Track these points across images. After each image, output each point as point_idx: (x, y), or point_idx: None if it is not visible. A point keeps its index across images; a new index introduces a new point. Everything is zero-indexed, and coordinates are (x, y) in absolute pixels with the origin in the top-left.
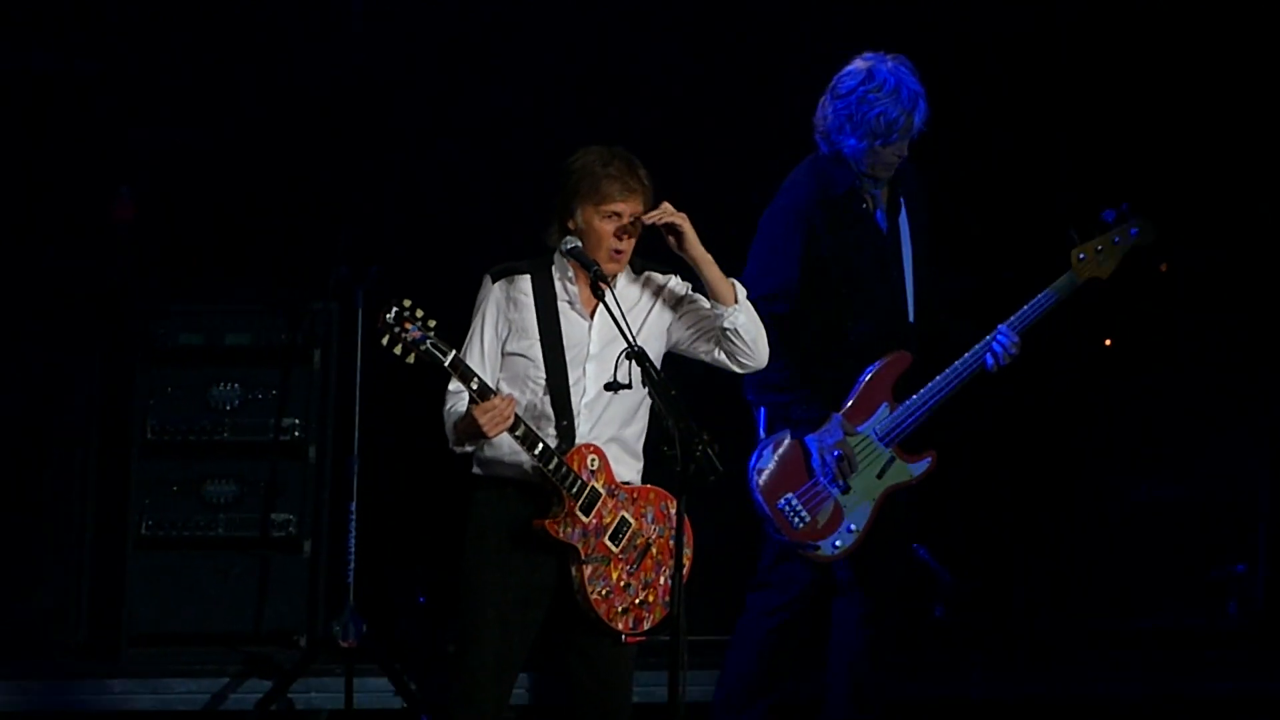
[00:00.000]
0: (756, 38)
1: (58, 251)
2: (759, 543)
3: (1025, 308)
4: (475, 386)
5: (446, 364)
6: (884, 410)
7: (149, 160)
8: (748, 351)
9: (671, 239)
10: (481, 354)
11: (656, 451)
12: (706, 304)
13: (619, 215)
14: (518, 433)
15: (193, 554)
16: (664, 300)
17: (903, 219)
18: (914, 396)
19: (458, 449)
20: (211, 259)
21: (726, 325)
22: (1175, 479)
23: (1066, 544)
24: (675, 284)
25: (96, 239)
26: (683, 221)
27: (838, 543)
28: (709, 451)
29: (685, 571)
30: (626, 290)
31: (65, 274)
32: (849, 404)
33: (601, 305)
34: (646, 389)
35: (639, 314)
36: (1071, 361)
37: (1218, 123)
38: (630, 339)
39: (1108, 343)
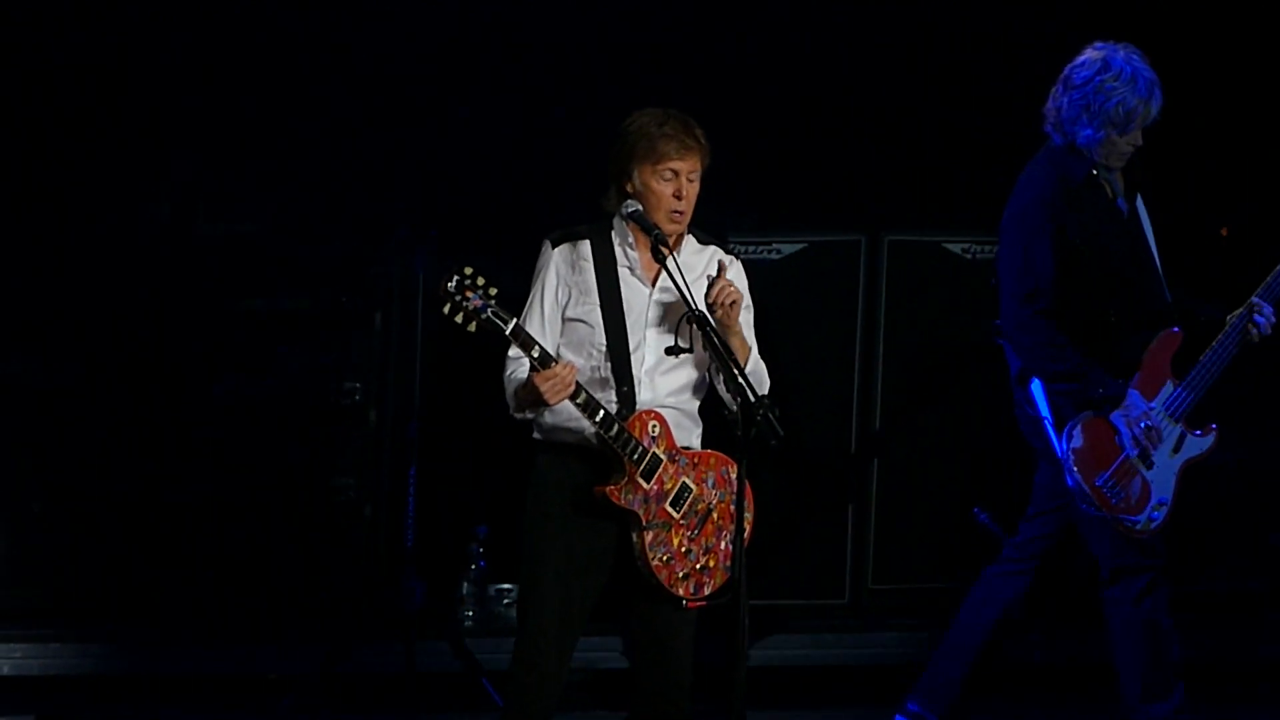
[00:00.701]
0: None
1: (125, 219)
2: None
3: (1270, 279)
4: (536, 354)
5: (508, 332)
6: (1169, 386)
7: (209, 127)
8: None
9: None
10: (542, 320)
11: (718, 417)
12: (748, 318)
13: (676, 174)
14: (579, 400)
15: (255, 517)
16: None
17: (1139, 203)
18: (1194, 370)
19: (518, 415)
20: (272, 222)
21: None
22: (1236, 443)
23: None
24: (736, 277)
25: (160, 207)
26: (737, 295)
27: (1154, 516)
28: (769, 416)
29: (746, 536)
30: (691, 260)
31: (130, 241)
32: (1136, 382)
33: (663, 271)
34: (708, 354)
35: (700, 286)
36: None
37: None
38: (690, 302)
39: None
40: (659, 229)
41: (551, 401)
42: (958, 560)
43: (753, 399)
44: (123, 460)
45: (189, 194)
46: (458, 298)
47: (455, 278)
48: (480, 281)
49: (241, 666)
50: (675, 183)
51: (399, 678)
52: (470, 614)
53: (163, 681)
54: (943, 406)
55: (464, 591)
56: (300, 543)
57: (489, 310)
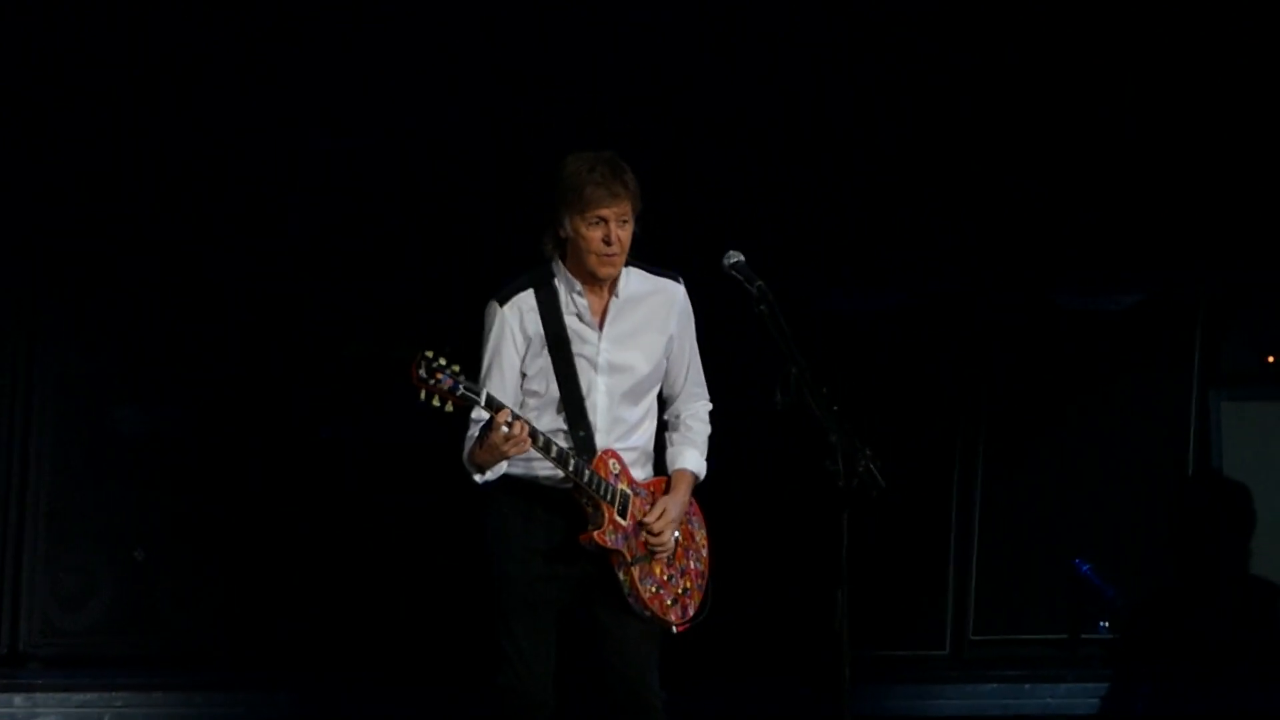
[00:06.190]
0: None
1: (231, 264)
2: None
3: None
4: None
5: (482, 405)
6: None
7: (318, 173)
8: None
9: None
10: (503, 382)
11: (818, 466)
12: (682, 368)
13: (605, 220)
14: (552, 454)
15: (363, 560)
16: (670, 321)
17: None
18: None
19: (479, 479)
20: (384, 271)
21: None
22: None
23: (1229, 558)
24: (683, 313)
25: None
26: (666, 536)
27: None
28: (871, 468)
29: (705, 559)
30: (638, 291)
31: (236, 288)
32: None
33: (608, 313)
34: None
35: (650, 317)
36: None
37: None
38: (794, 352)
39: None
40: (760, 281)
41: (511, 454)
42: (1059, 612)
43: (855, 451)
44: (226, 507)
45: (299, 242)
46: (431, 382)
47: (422, 364)
48: (443, 361)
49: (355, 711)
50: (604, 228)
51: None
52: None
53: None
54: (1046, 456)
55: None
56: (417, 585)
57: (461, 387)
